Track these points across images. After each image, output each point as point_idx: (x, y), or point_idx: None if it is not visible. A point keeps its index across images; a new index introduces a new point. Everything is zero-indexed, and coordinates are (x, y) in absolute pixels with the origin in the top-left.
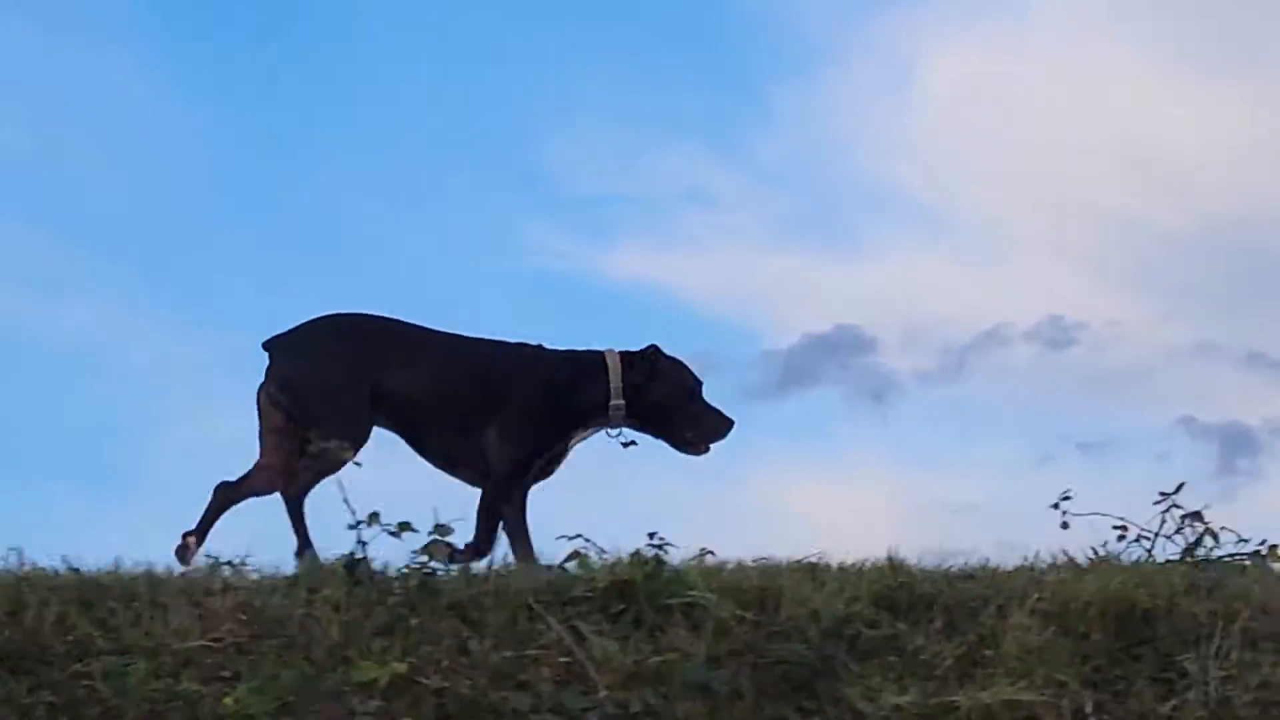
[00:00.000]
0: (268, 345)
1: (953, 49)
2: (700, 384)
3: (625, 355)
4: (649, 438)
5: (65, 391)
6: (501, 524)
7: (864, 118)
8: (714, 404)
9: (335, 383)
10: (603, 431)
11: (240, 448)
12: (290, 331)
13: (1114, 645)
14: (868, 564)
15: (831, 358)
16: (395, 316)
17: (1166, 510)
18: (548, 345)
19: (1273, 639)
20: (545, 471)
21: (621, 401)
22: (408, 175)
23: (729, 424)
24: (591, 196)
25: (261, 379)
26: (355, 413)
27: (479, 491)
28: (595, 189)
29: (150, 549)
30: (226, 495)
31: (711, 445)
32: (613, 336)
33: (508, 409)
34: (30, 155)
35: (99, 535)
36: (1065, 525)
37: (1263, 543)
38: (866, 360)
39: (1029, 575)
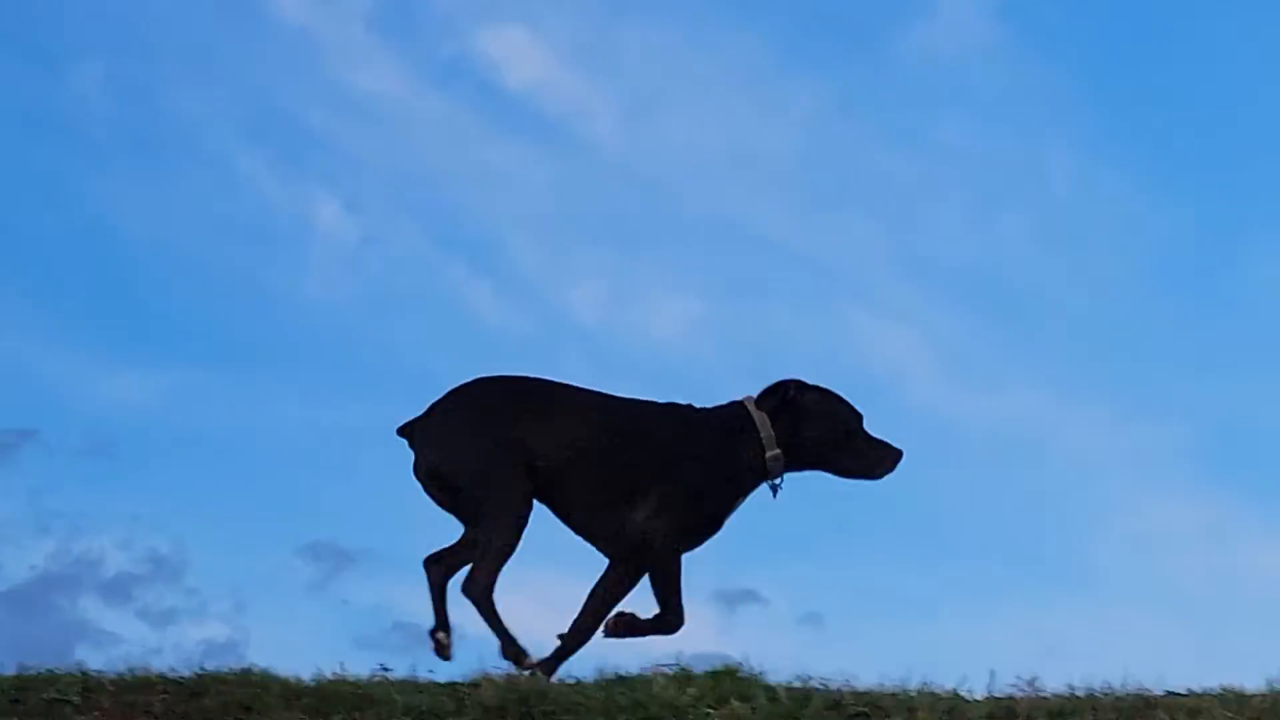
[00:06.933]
0: (403, 431)
1: None
2: (859, 415)
3: (764, 398)
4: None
5: (1003, 478)
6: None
7: None
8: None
9: (484, 465)
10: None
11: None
12: (427, 413)
13: None
14: None
15: None
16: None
17: None
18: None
19: None
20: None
21: (778, 451)
22: None
23: (897, 455)
24: None
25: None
26: (510, 497)
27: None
28: None
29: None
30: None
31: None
32: None
33: (669, 477)
34: (967, 245)
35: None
36: None
37: None
38: None
39: None
